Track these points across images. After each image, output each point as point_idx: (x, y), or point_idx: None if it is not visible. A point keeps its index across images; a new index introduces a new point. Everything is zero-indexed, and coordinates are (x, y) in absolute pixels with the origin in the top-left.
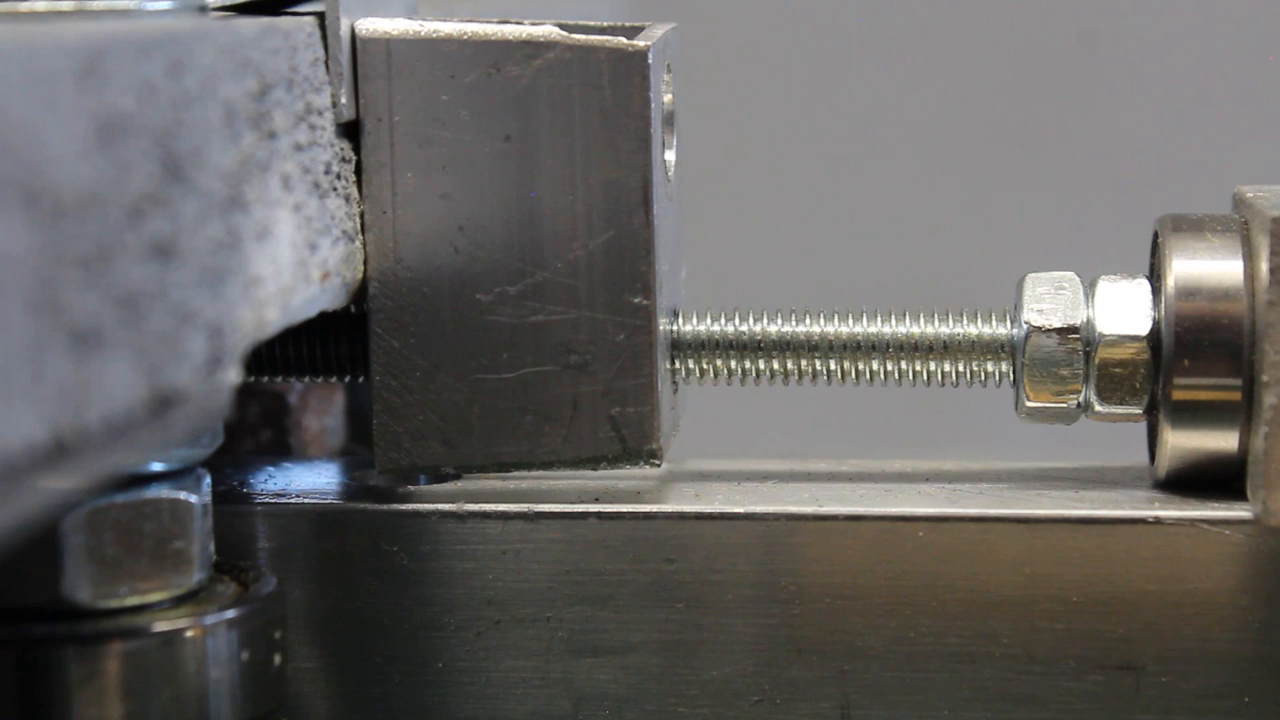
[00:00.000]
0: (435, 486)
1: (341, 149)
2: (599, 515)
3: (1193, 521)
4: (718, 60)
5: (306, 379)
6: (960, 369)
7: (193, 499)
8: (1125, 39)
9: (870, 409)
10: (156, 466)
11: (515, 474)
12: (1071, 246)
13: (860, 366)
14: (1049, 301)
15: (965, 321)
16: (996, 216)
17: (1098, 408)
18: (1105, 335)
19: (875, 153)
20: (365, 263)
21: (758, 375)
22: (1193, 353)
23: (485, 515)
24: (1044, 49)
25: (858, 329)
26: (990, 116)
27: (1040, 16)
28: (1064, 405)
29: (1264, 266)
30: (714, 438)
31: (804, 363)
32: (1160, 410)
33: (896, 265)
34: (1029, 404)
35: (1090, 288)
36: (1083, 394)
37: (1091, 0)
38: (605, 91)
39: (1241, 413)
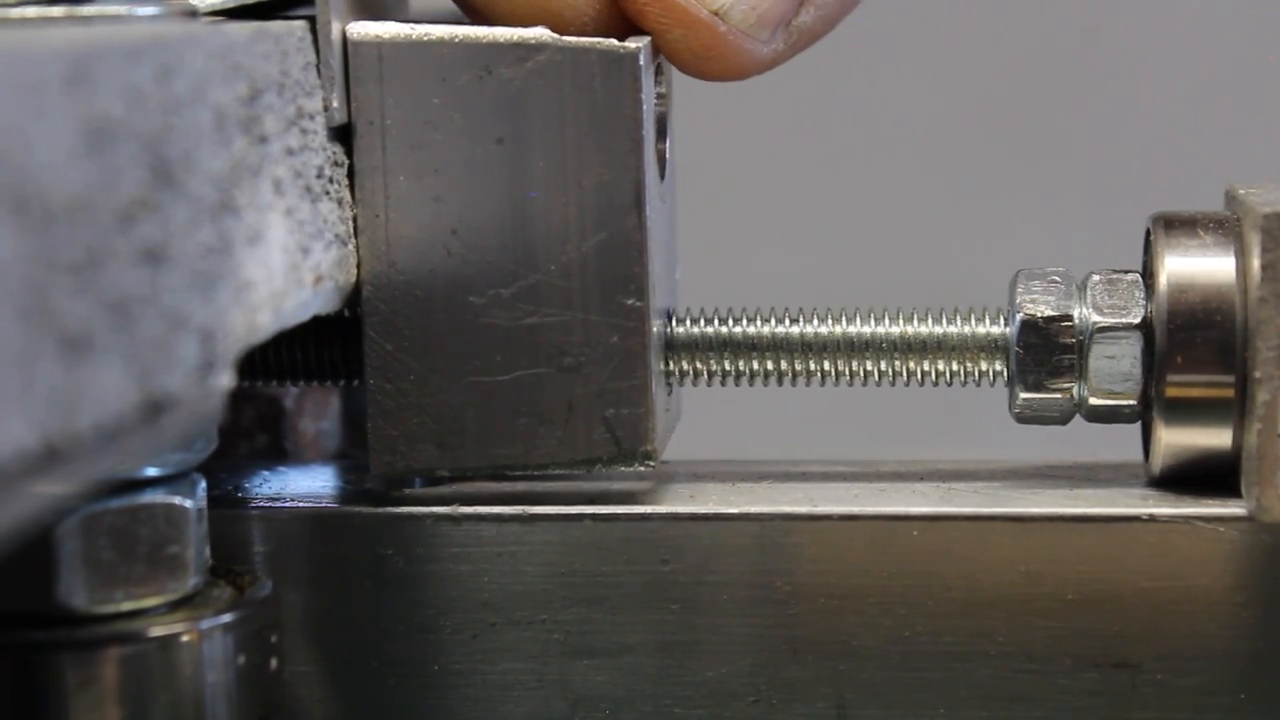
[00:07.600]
0: (430, 489)
1: (333, 153)
2: (594, 517)
3: (1187, 519)
4: None
5: (301, 383)
6: (954, 368)
7: (188, 504)
8: (1120, 39)
9: (865, 409)
10: (151, 471)
11: (510, 476)
12: (1065, 246)
13: (855, 366)
14: (1041, 294)
15: (959, 321)
16: (990, 216)
17: (1091, 401)
18: (1097, 323)
19: (869, 153)
20: (358, 266)
21: (752, 376)
22: (1186, 350)
23: (480, 518)
24: (1038, 49)
25: (852, 329)
26: (984, 116)
27: (1035, 16)
28: (1057, 399)
29: (1256, 263)
30: (709, 439)
31: (798, 363)
32: (1154, 407)
33: (890, 265)
34: (1022, 397)
35: (1082, 282)
36: (1075, 388)
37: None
38: (597, 93)
39: (1235, 409)
